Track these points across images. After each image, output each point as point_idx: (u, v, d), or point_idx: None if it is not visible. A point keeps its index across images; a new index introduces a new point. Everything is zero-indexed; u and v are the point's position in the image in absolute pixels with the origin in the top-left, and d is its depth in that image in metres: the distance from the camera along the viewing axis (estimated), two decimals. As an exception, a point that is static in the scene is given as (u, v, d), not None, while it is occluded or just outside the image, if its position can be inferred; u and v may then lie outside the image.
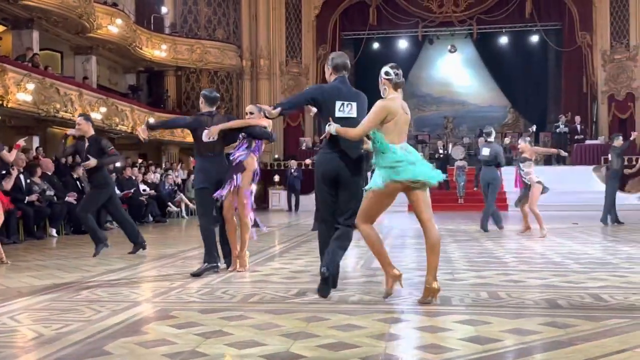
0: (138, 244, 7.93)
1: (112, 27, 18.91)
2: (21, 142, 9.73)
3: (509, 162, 13.04)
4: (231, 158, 5.99)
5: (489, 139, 10.80)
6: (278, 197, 21.32)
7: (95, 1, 17.79)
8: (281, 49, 24.69)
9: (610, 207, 12.20)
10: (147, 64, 22.81)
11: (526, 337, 3.45)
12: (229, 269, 6.12)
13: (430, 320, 3.93)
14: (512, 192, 18.30)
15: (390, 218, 12.67)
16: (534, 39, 25.93)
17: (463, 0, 24.76)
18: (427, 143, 24.07)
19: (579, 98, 24.09)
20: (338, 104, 4.82)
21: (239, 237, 6.24)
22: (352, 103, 4.84)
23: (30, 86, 14.23)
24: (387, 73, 4.55)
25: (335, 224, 4.83)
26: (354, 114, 4.81)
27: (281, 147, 24.11)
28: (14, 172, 10.06)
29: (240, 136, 6.10)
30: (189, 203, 17.07)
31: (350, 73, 5.27)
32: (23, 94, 14.04)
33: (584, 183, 19.17)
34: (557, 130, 21.96)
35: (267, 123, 6.06)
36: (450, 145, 22.59)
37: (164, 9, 23.83)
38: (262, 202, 19.43)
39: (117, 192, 13.55)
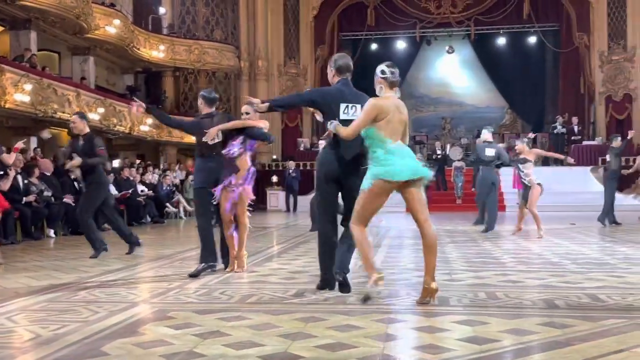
0: (132, 242, 7.92)
1: (110, 27, 18.89)
2: (20, 144, 9.73)
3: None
4: (224, 152, 5.97)
5: (489, 140, 10.90)
6: (276, 197, 21.32)
7: (93, 2, 17.78)
8: (279, 50, 24.69)
9: (609, 208, 12.21)
10: (145, 64, 22.79)
11: (524, 338, 3.45)
12: (227, 270, 6.11)
13: (428, 320, 3.93)
14: (510, 192, 18.44)
15: (388, 219, 12.67)
16: (532, 40, 25.99)
17: (461, 1, 24.80)
18: (424, 144, 24.10)
19: (576, 99, 24.13)
20: (342, 106, 4.83)
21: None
22: (357, 105, 4.83)
23: (28, 87, 14.21)
24: (382, 72, 4.53)
25: (340, 224, 4.85)
26: (358, 116, 4.80)
27: (279, 148, 24.10)
28: (12, 173, 10.04)
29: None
30: (187, 206, 17.06)
31: (349, 73, 5.26)
32: (20, 94, 14.02)
33: (581, 184, 19.19)
34: (555, 131, 21.99)
35: (264, 124, 6.07)
36: (448, 146, 22.61)
37: (161, 10, 23.81)
38: (260, 203, 19.41)
39: (115, 192, 13.67)
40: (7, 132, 15.71)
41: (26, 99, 14.22)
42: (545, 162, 21.62)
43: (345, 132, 4.51)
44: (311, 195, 12.18)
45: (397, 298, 4.68)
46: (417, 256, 6.92)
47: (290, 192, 20.36)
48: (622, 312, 4.12)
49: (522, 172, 9.90)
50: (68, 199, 11.41)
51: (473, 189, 17.27)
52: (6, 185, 9.87)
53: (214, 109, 6.22)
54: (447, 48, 26.88)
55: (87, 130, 7.80)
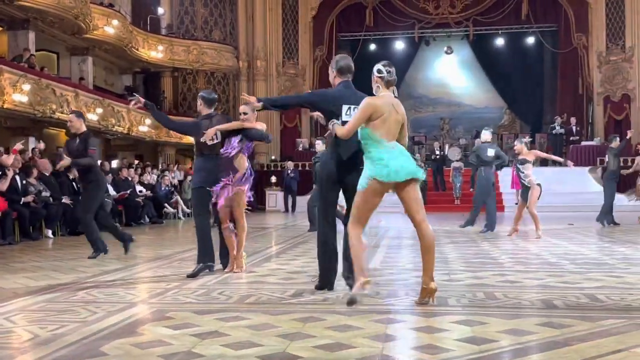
0: (126, 240, 7.87)
1: (109, 28, 18.89)
2: (18, 145, 9.72)
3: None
4: (222, 152, 5.95)
5: (489, 140, 10.95)
6: (275, 198, 21.31)
7: (92, 2, 17.78)
8: (278, 50, 24.70)
9: (608, 208, 12.22)
10: (143, 65, 22.79)
11: (522, 338, 3.45)
12: (226, 270, 6.11)
13: (427, 320, 3.93)
14: (508, 192, 18.46)
15: (386, 219, 12.67)
16: (530, 40, 26.02)
17: (459, 2, 24.82)
18: (423, 144, 24.11)
19: (574, 99, 24.16)
20: (345, 108, 4.84)
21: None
22: (359, 107, 4.83)
23: (26, 87, 14.21)
24: (379, 71, 4.52)
25: (343, 222, 4.87)
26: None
27: (278, 148, 24.12)
28: (10, 173, 10.03)
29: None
30: (184, 207, 17.04)
31: (348, 74, 5.25)
32: (19, 94, 14.02)
33: (579, 184, 19.22)
34: (553, 131, 22.02)
35: (261, 126, 6.07)
36: (446, 147, 22.63)
37: (160, 10, 23.81)
38: (258, 203, 19.41)
39: (114, 193, 13.66)
40: (6, 132, 15.71)
41: (24, 99, 14.22)
42: (543, 162, 21.65)
43: (340, 131, 4.51)
44: (309, 196, 12.17)
45: (396, 298, 4.68)
46: (416, 256, 6.91)
47: (289, 193, 20.35)
48: (621, 312, 4.13)
49: (522, 173, 9.84)
50: (66, 200, 11.40)
51: (471, 190, 17.28)
52: (4, 185, 9.86)
53: (213, 110, 6.22)
54: (445, 48, 26.91)
55: (84, 129, 7.69)
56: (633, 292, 4.84)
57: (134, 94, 8.29)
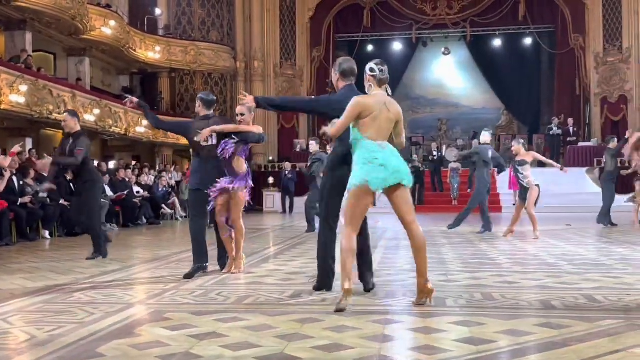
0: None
1: (106, 28, 18.87)
2: (16, 148, 9.70)
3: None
4: (218, 152, 5.93)
5: (489, 142, 10.97)
6: (272, 199, 21.30)
7: (89, 3, 17.76)
8: (275, 51, 24.70)
9: (607, 209, 12.22)
10: (140, 65, 22.77)
11: (520, 338, 3.45)
12: (224, 271, 6.10)
13: (425, 321, 3.93)
14: (506, 193, 18.48)
15: (384, 220, 12.68)
16: (527, 41, 26.07)
17: (457, 3, 24.85)
18: (421, 145, 24.14)
19: (572, 100, 24.20)
20: None
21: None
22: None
23: (23, 88, 14.18)
24: (371, 69, 4.51)
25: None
26: None
27: (275, 149, 24.12)
28: (7, 174, 10.01)
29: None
30: (180, 210, 17.01)
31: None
32: (16, 95, 13.99)
33: (577, 185, 19.23)
34: (551, 132, 22.05)
35: (257, 130, 6.06)
36: (444, 148, 22.65)
37: (157, 11, 23.80)
38: (256, 204, 19.39)
39: (111, 194, 13.64)
40: (3, 133, 15.68)
41: (22, 100, 14.19)
42: (540, 163, 21.65)
43: (330, 131, 4.51)
44: (307, 197, 12.17)
45: (394, 299, 4.68)
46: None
47: (287, 194, 20.34)
48: (619, 312, 4.13)
49: (521, 174, 9.80)
50: (64, 202, 11.38)
51: (469, 191, 17.30)
52: (1, 186, 9.84)
53: (211, 111, 6.22)
54: (443, 49, 26.92)
55: (78, 128, 7.64)
56: (631, 292, 4.85)
57: (127, 95, 8.28)
